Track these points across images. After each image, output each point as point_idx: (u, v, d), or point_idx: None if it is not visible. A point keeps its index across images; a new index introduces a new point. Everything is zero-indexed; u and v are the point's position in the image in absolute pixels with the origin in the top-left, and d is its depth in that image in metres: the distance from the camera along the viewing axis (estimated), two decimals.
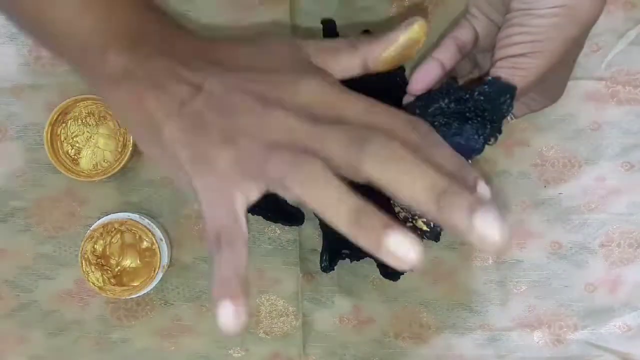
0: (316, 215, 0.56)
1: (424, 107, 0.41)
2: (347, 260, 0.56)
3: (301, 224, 0.57)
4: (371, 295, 0.59)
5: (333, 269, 0.56)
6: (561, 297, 0.59)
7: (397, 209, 0.46)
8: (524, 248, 0.59)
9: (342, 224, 0.30)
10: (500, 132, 0.40)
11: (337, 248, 0.56)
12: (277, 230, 0.59)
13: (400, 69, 0.56)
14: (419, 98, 0.43)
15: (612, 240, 0.59)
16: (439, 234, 0.45)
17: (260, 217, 0.57)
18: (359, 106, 0.33)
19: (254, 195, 0.34)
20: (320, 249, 0.56)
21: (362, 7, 0.57)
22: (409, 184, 0.29)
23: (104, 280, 0.56)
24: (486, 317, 0.59)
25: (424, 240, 0.47)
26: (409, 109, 0.43)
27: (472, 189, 0.32)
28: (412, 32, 0.36)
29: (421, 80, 0.43)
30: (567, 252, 0.59)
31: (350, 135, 0.31)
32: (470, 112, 0.40)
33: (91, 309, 0.59)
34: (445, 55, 0.44)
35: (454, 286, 0.59)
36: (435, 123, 0.41)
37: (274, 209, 0.57)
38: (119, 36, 0.36)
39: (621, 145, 0.58)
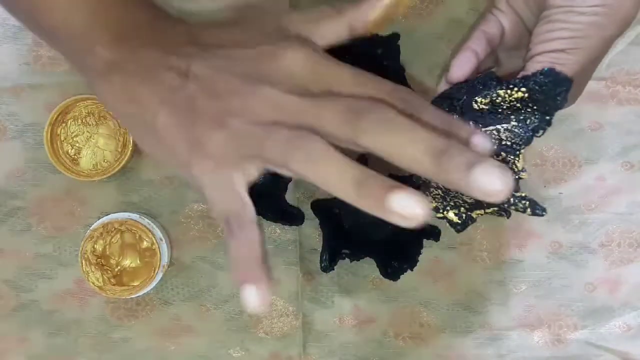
0: (316, 215, 0.57)
1: (470, 94, 0.41)
2: (347, 260, 0.56)
3: (301, 224, 0.57)
4: (371, 295, 0.59)
5: (333, 269, 0.56)
6: (561, 297, 0.59)
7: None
8: (524, 248, 0.59)
9: (348, 196, 0.30)
10: (549, 124, 0.40)
11: (337, 248, 0.56)
12: (277, 230, 0.59)
13: (396, 56, 0.55)
14: (458, 86, 0.43)
15: (612, 240, 0.59)
16: (468, 225, 0.44)
17: (260, 217, 0.57)
18: (346, 76, 0.33)
19: (253, 174, 0.34)
20: (320, 249, 0.56)
21: None
22: (409, 150, 0.30)
23: (104, 280, 0.56)
24: (486, 317, 0.59)
25: (455, 229, 0.46)
26: (454, 95, 0.42)
27: (467, 142, 0.32)
28: None
29: (460, 69, 0.43)
30: (567, 252, 0.59)
31: (343, 110, 0.31)
32: (522, 101, 0.40)
33: (91, 309, 0.59)
34: (478, 46, 0.44)
35: (454, 286, 0.59)
36: (484, 111, 0.40)
37: (274, 209, 0.57)
38: (108, 30, 0.37)
39: (621, 145, 0.58)
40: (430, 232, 0.56)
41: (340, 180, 0.30)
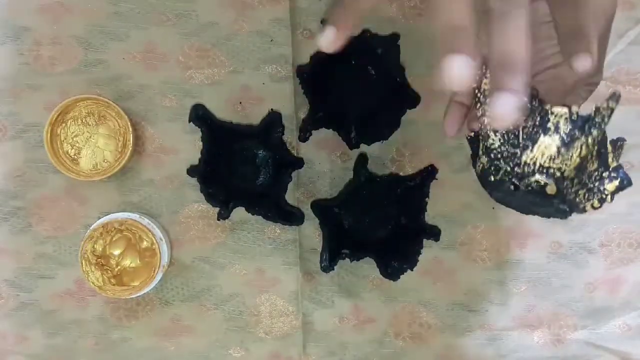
0: (316, 215, 0.57)
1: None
2: (347, 260, 0.56)
3: (301, 224, 0.57)
4: (371, 295, 0.59)
5: (333, 269, 0.56)
6: (561, 297, 0.59)
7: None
8: (524, 248, 0.59)
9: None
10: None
11: (337, 248, 0.56)
12: (277, 230, 0.59)
13: (400, 69, 0.56)
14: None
15: (612, 240, 0.59)
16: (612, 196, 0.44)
17: (260, 217, 0.57)
18: None
19: None
20: (320, 249, 0.56)
21: None
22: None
23: (104, 280, 0.56)
24: (486, 317, 0.59)
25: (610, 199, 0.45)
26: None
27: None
28: None
29: (452, 127, 0.45)
30: (567, 252, 0.59)
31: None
32: (540, 108, 0.40)
33: (91, 309, 0.59)
34: (460, 102, 0.46)
35: (454, 286, 0.59)
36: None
37: (274, 209, 0.57)
38: None
39: None
40: (430, 232, 0.56)
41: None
